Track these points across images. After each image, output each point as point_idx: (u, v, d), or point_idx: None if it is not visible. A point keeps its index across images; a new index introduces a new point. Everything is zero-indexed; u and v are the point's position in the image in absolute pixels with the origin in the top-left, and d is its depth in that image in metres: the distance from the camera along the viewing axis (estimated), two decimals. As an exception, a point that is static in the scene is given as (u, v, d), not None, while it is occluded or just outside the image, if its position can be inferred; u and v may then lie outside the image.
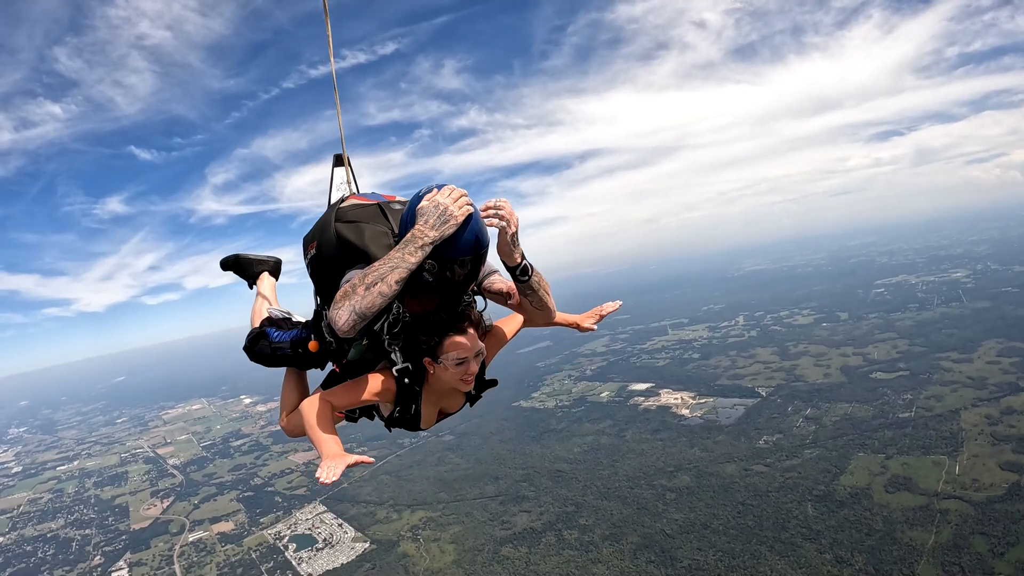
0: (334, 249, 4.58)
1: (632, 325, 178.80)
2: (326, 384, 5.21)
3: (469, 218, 4.02)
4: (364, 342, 4.61)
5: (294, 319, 6.00)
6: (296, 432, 5.50)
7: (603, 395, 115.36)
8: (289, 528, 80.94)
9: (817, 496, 64.95)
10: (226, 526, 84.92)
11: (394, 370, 4.58)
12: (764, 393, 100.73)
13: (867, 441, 75.58)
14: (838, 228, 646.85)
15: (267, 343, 5.62)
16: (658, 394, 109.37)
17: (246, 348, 5.73)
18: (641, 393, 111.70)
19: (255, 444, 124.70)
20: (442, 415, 5.25)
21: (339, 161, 6.12)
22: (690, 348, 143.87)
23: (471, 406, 5.36)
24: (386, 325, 4.42)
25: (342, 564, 69.42)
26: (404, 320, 4.46)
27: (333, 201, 5.31)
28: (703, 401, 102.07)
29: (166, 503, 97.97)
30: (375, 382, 4.59)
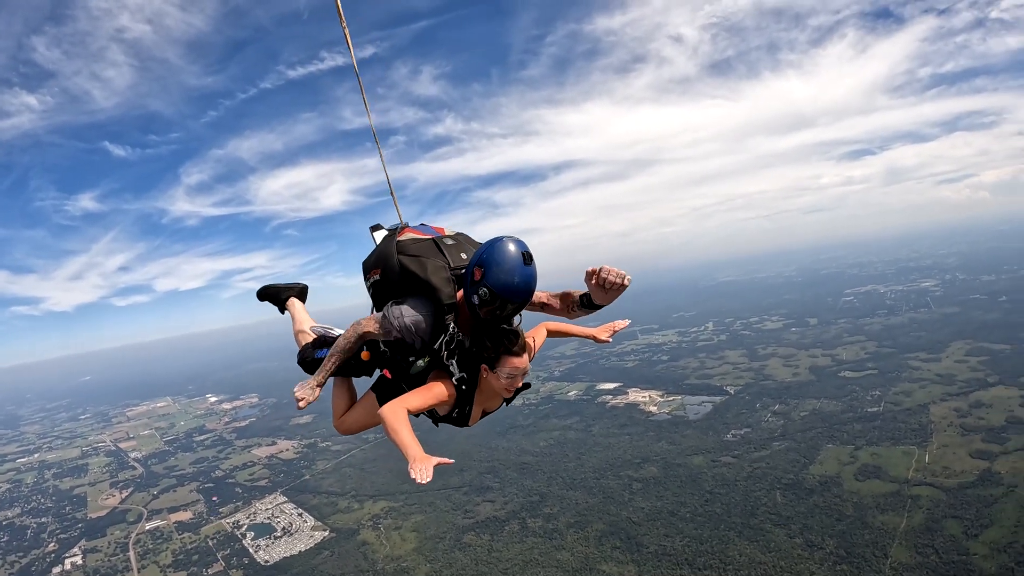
0: (397, 277, 5.45)
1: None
2: (378, 386, 6.13)
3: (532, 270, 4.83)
4: (427, 359, 5.47)
5: (335, 333, 6.81)
6: (348, 430, 6.50)
7: (571, 394, 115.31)
8: (248, 518, 79.94)
9: (786, 484, 64.91)
10: (184, 515, 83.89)
11: (454, 379, 5.33)
12: (732, 391, 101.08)
13: (836, 433, 75.85)
14: (810, 244, 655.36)
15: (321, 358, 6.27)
16: (626, 392, 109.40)
17: (301, 363, 6.50)
18: (609, 392, 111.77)
19: (218, 439, 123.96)
20: (484, 413, 5.95)
21: (376, 228, 6.58)
22: (659, 351, 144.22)
23: (507, 405, 6.03)
24: (444, 344, 5.21)
25: (300, 552, 68.65)
26: (458, 339, 5.24)
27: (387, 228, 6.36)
28: (671, 399, 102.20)
29: (125, 494, 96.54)
30: (440, 389, 5.28)
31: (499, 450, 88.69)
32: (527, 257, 4.77)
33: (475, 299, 4.82)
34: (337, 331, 6.78)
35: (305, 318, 7.40)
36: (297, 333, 7.10)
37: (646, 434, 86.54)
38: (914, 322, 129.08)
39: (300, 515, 78.26)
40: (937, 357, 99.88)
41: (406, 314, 5.17)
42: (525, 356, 5.16)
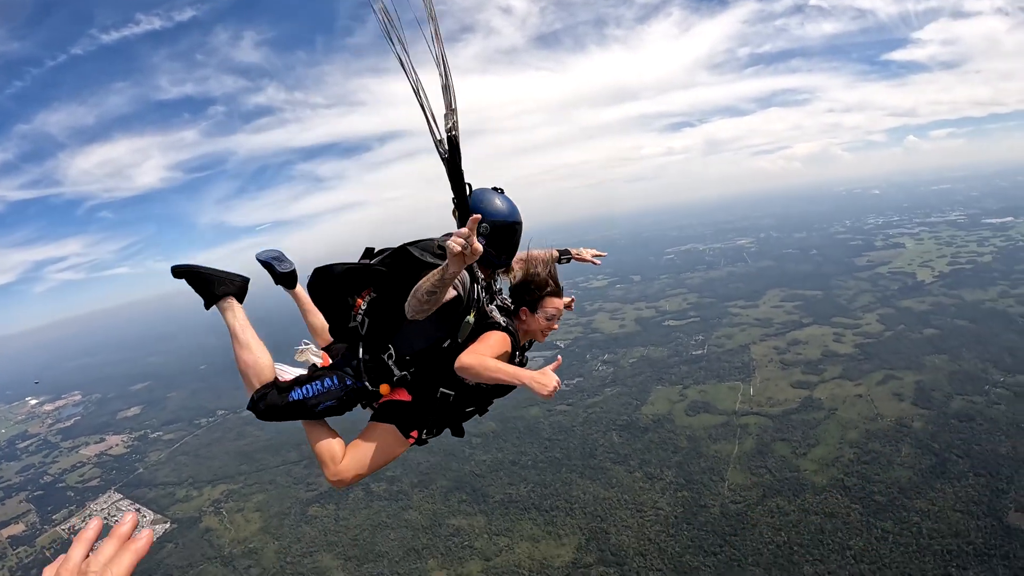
0: (402, 270, 4.79)
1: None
2: (389, 414, 5.16)
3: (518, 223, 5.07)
4: (472, 315, 4.87)
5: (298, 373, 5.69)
6: (357, 475, 5.19)
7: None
8: (83, 521, 74.23)
9: (621, 425, 67.05)
10: (16, 528, 77.90)
11: (508, 327, 4.99)
12: (562, 345, 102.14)
13: (664, 376, 78.99)
14: (634, 210, 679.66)
15: (301, 404, 5.24)
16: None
17: (259, 411, 5.34)
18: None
19: (43, 443, 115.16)
20: None
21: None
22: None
23: None
24: (480, 291, 4.92)
25: (143, 548, 65.14)
26: (482, 284, 5.00)
27: None
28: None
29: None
30: (497, 336, 4.85)
31: (334, 420, 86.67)
32: (498, 190, 5.05)
33: (480, 240, 4.55)
34: (298, 371, 5.74)
35: (254, 338, 5.58)
36: (249, 365, 5.45)
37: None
38: (732, 275, 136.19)
39: (138, 510, 72.79)
40: (755, 304, 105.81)
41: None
42: (563, 297, 5.43)
